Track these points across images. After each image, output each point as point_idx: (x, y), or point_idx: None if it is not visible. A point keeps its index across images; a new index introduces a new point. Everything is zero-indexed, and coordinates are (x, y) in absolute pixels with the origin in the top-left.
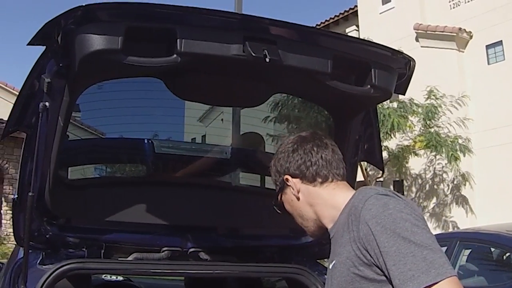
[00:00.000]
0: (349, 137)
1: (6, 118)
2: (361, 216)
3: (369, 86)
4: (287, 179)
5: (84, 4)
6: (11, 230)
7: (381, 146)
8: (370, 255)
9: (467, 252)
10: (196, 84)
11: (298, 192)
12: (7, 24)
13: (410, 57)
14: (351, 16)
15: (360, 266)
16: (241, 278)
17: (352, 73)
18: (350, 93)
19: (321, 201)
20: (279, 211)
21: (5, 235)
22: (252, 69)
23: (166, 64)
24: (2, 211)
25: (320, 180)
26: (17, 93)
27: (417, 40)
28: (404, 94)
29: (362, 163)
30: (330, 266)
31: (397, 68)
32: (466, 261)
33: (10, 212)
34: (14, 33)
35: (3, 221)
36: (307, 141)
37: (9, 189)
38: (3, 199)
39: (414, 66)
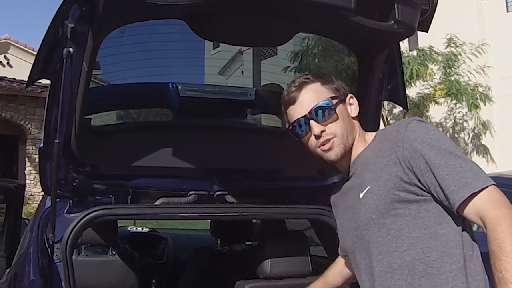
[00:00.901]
0: (373, 75)
1: (26, 79)
2: (405, 137)
3: (392, 22)
4: (351, 97)
5: None
6: (35, 189)
7: (405, 85)
8: (414, 172)
9: None
10: (219, 23)
11: (358, 111)
12: None
13: None
14: None
15: (398, 189)
16: (267, 219)
17: (375, 9)
18: (374, 29)
19: (360, 131)
20: (331, 111)
21: (29, 195)
22: (275, 7)
23: (190, 2)
24: (26, 171)
25: (359, 117)
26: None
27: None
28: (427, 31)
29: (382, 114)
30: (361, 195)
31: (420, 3)
32: None
33: (34, 172)
34: None
35: (27, 181)
36: None
37: (32, 149)
38: (26, 159)
39: (437, 2)
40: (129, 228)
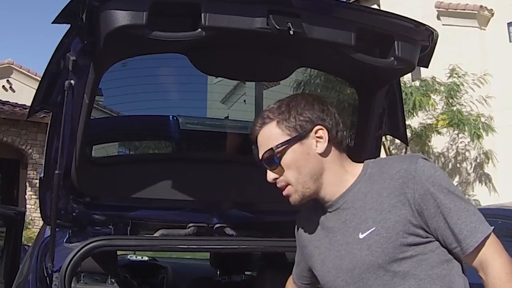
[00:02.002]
0: (373, 110)
1: (29, 104)
2: (416, 177)
3: (392, 58)
4: (318, 130)
5: None
6: (35, 214)
7: (405, 120)
8: (423, 216)
9: None
10: (221, 58)
11: (326, 148)
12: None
13: (432, 29)
14: None
15: (406, 232)
16: (267, 253)
17: (375, 46)
18: (374, 66)
19: (338, 167)
20: (275, 160)
21: (29, 220)
22: (276, 43)
23: (191, 38)
24: (26, 196)
25: (343, 147)
26: (40, 79)
27: (438, 18)
28: (427, 67)
29: (384, 143)
30: (362, 236)
31: (420, 40)
32: None
33: (35, 196)
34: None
35: (27, 206)
36: (332, 105)
37: (33, 174)
38: (27, 183)
39: (437, 38)
40: (128, 257)
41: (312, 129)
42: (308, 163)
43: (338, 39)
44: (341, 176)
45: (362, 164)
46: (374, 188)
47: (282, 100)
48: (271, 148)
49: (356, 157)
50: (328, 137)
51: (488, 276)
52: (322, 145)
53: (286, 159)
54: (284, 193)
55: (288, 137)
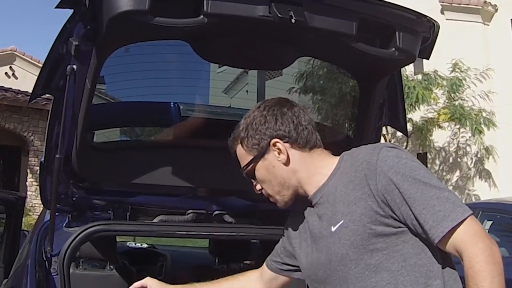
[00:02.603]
0: (373, 101)
1: (31, 91)
2: (377, 169)
3: (393, 49)
4: (275, 143)
5: None
6: (36, 201)
7: (406, 111)
8: (389, 205)
9: (489, 223)
10: (223, 46)
11: (287, 157)
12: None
13: (434, 20)
14: None
15: (374, 223)
16: (265, 240)
17: (377, 36)
18: (375, 56)
19: (309, 166)
20: (251, 179)
21: (30, 207)
22: (278, 31)
23: (193, 25)
24: (27, 183)
25: (309, 145)
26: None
27: (442, 13)
28: (428, 59)
29: (385, 136)
30: (333, 229)
31: (421, 31)
32: (488, 232)
33: (35, 183)
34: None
35: (28, 193)
36: (291, 104)
37: (35, 161)
38: (28, 170)
39: (438, 30)
40: (128, 244)
41: (269, 143)
42: (276, 174)
43: (339, 28)
44: (314, 175)
45: (338, 157)
46: (343, 181)
47: (244, 116)
48: (246, 164)
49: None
50: (288, 144)
51: (464, 264)
52: (283, 156)
53: (258, 175)
54: (271, 200)
55: (252, 156)
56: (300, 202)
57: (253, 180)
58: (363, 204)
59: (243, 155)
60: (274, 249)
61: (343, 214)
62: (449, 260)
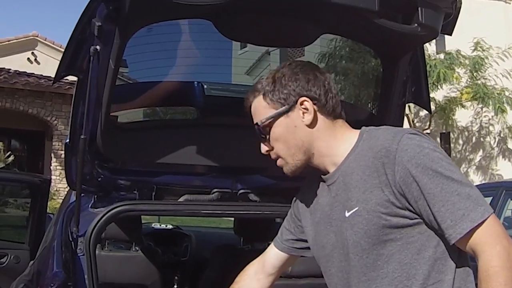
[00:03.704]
0: (396, 78)
1: (54, 76)
2: (396, 158)
3: (416, 25)
4: (303, 102)
5: None
6: (60, 185)
7: (428, 87)
8: (406, 198)
9: None
10: (245, 23)
11: (313, 119)
12: None
13: None
14: None
15: (389, 214)
16: None
17: (399, 12)
18: (397, 32)
19: (330, 136)
20: (263, 134)
21: (54, 191)
22: (300, 7)
23: (215, 2)
24: (51, 167)
25: (334, 114)
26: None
27: None
28: (450, 35)
29: (408, 115)
30: (347, 214)
31: (443, 7)
32: None
33: (59, 167)
34: None
35: (52, 177)
36: (323, 70)
37: (58, 145)
38: (52, 155)
39: (461, 5)
40: (153, 225)
41: (297, 101)
42: (296, 135)
43: (361, 4)
44: (333, 147)
45: (358, 132)
46: (361, 165)
47: (272, 71)
48: (265, 119)
49: (379, 125)
50: (316, 107)
51: (478, 265)
52: (308, 117)
53: (273, 133)
54: (277, 164)
55: (274, 111)
56: (311, 177)
57: (263, 137)
58: (379, 194)
59: (263, 108)
60: (280, 230)
61: (358, 200)
62: (464, 256)
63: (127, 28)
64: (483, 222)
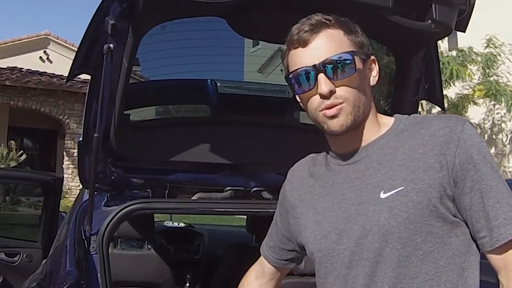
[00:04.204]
0: (410, 75)
1: (66, 74)
2: (460, 140)
3: (430, 21)
4: (375, 61)
5: None
6: (73, 184)
7: (442, 85)
8: (457, 187)
9: None
10: (259, 21)
11: (376, 82)
12: None
13: None
14: None
15: (440, 200)
16: None
17: (413, 8)
18: (411, 29)
19: (374, 113)
20: (350, 67)
21: (67, 189)
22: (313, 5)
23: (231, 1)
24: (64, 165)
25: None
26: (76, 50)
27: None
28: (464, 31)
29: (421, 113)
30: (384, 195)
31: (457, 3)
32: None
33: (72, 166)
34: None
35: (65, 175)
36: None
37: (71, 144)
38: (64, 153)
39: (474, 2)
40: (165, 223)
41: (371, 55)
42: (365, 88)
43: (375, 1)
44: (375, 123)
45: (392, 117)
46: (408, 144)
47: (325, 15)
48: (351, 52)
49: None
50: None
51: (510, 282)
52: (375, 78)
53: (357, 73)
54: (333, 111)
55: (361, 51)
56: (306, 165)
57: (335, 74)
58: (434, 175)
59: (346, 41)
60: (267, 239)
61: (405, 180)
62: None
63: (141, 26)
64: None
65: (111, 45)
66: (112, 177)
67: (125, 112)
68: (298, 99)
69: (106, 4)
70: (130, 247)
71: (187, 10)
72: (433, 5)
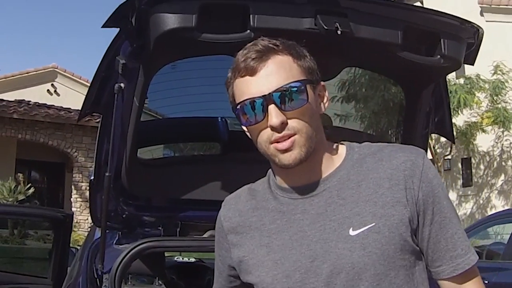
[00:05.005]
0: (420, 109)
1: (74, 107)
2: (423, 174)
3: (439, 56)
4: (324, 86)
5: None
6: (81, 217)
7: (451, 118)
8: (419, 218)
9: None
10: None
11: (323, 110)
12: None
13: (478, 26)
14: None
15: (408, 234)
16: None
17: (422, 44)
18: (421, 64)
19: (325, 142)
20: (301, 97)
21: (75, 222)
22: (324, 43)
23: (240, 40)
24: (72, 199)
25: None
26: (84, 83)
27: (481, 14)
28: (473, 64)
29: (429, 141)
30: (354, 232)
31: (466, 37)
32: None
33: (80, 199)
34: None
35: (73, 209)
36: None
37: (79, 177)
38: (72, 186)
39: (482, 35)
40: (175, 258)
41: (319, 81)
42: (317, 117)
43: (385, 38)
44: (327, 152)
45: (343, 145)
46: (371, 177)
47: (274, 39)
48: (303, 80)
49: None
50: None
51: None
52: (325, 105)
53: (310, 102)
54: (286, 144)
55: (311, 78)
56: (247, 197)
57: (283, 105)
58: (403, 209)
59: (296, 69)
60: (214, 279)
61: (375, 215)
62: None
63: (151, 66)
64: (476, 264)
65: (122, 85)
66: (124, 215)
67: (136, 151)
68: (246, 131)
69: (117, 44)
70: (141, 282)
71: (197, 50)
72: (441, 40)
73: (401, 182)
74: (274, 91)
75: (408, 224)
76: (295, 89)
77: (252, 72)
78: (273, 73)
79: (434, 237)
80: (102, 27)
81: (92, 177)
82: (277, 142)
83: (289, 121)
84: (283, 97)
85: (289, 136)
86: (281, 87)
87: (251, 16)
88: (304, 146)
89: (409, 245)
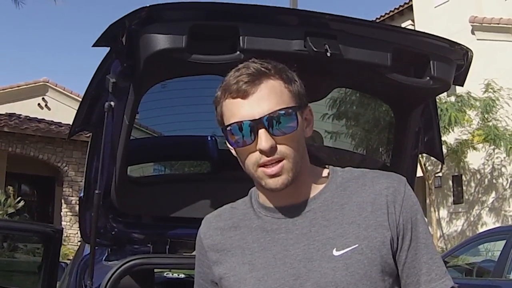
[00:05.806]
0: (409, 129)
1: (64, 121)
2: (404, 200)
3: (428, 78)
4: (311, 111)
5: (148, 5)
6: (71, 231)
7: (441, 138)
8: (398, 242)
9: None
10: None
11: (309, 134)
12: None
13: (467, 48)
14: (407, 11)
15: (389, 257)
16: None
17: (411, 65)
18: (410, 85)
19: (309, 165)
20: (292, 123)
21: (65, 236)
22: (313, 64)
23: (230, 61)
24: (62, 213)
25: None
26: (74, 97)
27: (473, 33)
28: (462, 86)
29: (420, 159)
30: (338, 253)
31: (455, 59)
32: None
33: (70, 213)
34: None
35: (63, 223)
36: None
37: (69, 191)
38: (62, 200)
39: (472, 57)
40: (165, 274)
41: (307, 105)
42: (303, 141)
43: (374, 59)
44: (311, 175)
45: (326, 169)
46: (354, 200)
47: (265, 61)
48: (294, 106)
49: None
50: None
51: None
52: (311, 129)
53: (292, 128)
54: (274, 169)
55: (293, 104)
56: (228, 215)
57: (273, 130)
58: (385, 232)
59: (287, 94)
60: None
61: (358, 237)
62: None
63: (142, 85)
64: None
65: (112, 103)
66: (113, 232)
67: (126, 168)
68: (233, 151)
69: (107, 63)
70: None
71: (187, 70)
72: (431, 62)
73: (384, 206)
74: (265, 116)
75: (389, 246)
76: (286, 115)
77: (244, 95)
78: (265, 98)
79: (409, 262)
80: (93, 46)
81: (81, 194)
82: (265, 166)
83: (278, 145)
84: (273, 122)
85: (278, 161)
86: (272, 112)
87: (240, 37)
88: (291, 171)
89: (389, 267)
